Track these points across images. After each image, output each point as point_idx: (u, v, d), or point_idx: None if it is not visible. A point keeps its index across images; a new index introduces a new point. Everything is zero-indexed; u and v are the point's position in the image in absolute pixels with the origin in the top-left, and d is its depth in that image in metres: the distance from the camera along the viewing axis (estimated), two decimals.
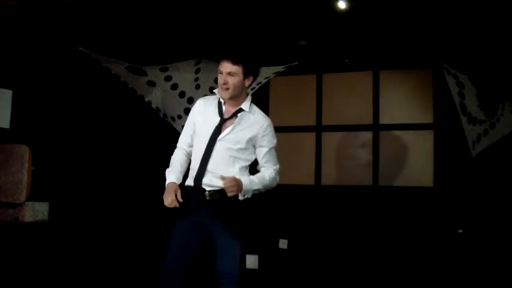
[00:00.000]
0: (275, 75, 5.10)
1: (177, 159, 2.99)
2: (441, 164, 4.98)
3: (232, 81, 2.80)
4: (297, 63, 4.96)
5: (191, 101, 5.05)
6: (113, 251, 4.84)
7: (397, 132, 5.19)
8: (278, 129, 3.09)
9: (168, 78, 4.89)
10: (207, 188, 2.83)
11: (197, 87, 5.00)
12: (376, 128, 5.26)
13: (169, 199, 2.78)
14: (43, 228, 4.00)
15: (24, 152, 3.70)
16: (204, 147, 2.84)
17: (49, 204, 3.87)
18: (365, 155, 5.27)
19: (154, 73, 4.83)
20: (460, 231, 4.80)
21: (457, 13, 4.54)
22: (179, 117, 4.99)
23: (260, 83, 4.96)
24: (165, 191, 2.84)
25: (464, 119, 4.51)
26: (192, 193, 2.84)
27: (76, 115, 4.80)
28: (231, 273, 2.82)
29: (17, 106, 4.30)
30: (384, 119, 5.24)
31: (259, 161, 2.96)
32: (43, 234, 4.10)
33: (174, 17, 4.92)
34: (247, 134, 2.86)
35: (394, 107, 5.23)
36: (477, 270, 4.64)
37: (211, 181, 2.82)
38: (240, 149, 2.85)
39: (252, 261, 5.29)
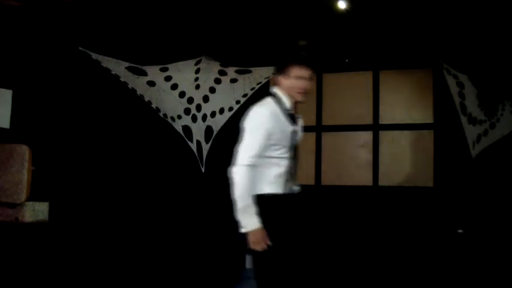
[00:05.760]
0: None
1: (252, 181, 2.60)
2: (441, 164, 4.97)
3: (310, 86, 2.81)
4: None
5: (191, 101, 5.05)
6: (113, 251, 4.83)
7: (397, 132, 5.18)
8: None
9: (168, 78, 4.89)
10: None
11: (197, 87, 5.00)
12: (376, 128, 5.25)
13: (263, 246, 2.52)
14: (43, 228, 4.00)
15: (24, 152, 3.69)
16: (291, 157, 2.82)
17: (49, 204, 3.87)
18: (365, 155, 5.27)
19: (154, 73, 4.83)
20: (460, 231, 4.80)
21: (457, 13, 4.54)
22: (179, 117, 4.99)
23: (260, 82, 4.97)
24: (258, 238, 2.54)
25: (464, 119, 4.51)
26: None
27: (76, 115, 4.79)
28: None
29: (17, 106, 4.30)
30: (384, 119, 5.24)
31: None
32: (43, 234, 4.09)
33: (174, 17, 4.92)
34: None
35: (394, 107, 5.23)
36: (477, 270, 4.63)
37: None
38: None
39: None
